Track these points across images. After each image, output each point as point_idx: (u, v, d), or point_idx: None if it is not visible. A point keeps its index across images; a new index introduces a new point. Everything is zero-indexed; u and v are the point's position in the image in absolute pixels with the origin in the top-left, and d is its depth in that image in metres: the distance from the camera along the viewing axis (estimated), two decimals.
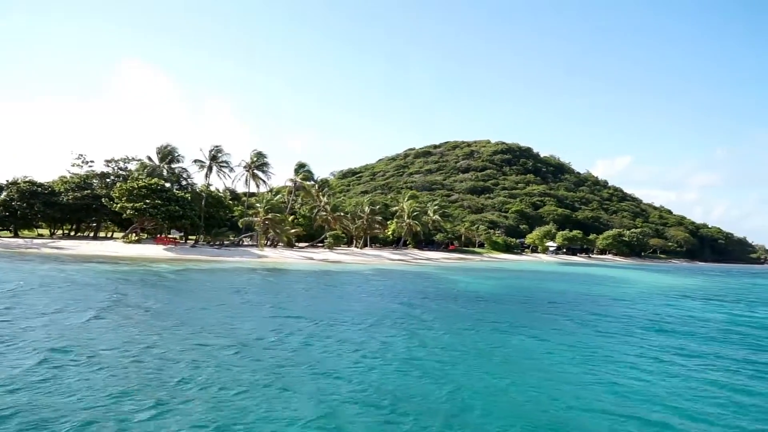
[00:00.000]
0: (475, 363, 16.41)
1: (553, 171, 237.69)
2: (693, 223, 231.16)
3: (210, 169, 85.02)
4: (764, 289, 61.97)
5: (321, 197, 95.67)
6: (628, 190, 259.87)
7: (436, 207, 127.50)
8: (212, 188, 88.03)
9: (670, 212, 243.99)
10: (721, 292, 53.20)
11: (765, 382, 15.83)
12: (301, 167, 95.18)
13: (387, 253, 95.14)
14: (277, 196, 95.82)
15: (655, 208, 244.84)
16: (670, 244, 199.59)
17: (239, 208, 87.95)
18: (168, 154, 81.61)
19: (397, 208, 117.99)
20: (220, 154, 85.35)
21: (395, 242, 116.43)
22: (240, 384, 12.88)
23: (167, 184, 74.59)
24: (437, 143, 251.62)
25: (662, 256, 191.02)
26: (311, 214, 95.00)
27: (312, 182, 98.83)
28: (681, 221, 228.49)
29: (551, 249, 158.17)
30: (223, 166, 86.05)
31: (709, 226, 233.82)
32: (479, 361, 16.78)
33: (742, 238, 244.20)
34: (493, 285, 48.07)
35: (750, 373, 16.82)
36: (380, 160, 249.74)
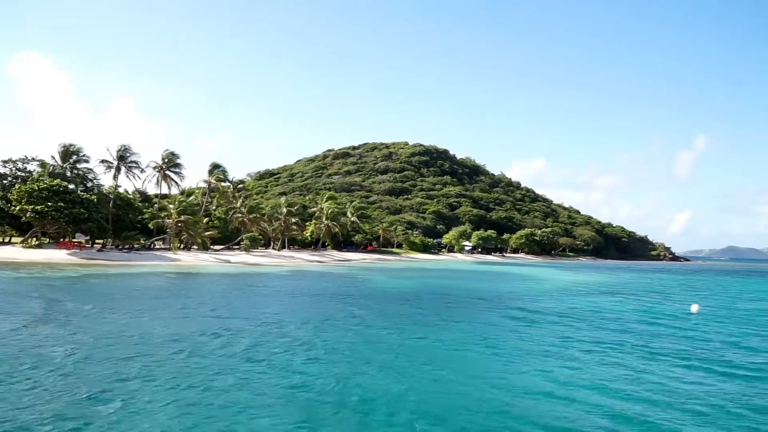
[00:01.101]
0: (391, 360, 16.95)
1: (469, 173, 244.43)
2: (599, 222, 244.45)
3: (118, 169, 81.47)
4: (652, 283, 66.94)
5: (237, 199, 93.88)
6: (541, 191, 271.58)
7: (354, 208, 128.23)
8: (121, 190, 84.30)
9: (578, 212, 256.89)
10: (620, 287, 57.10)
11: (658, 362, 17.39)
12: (215, 168, 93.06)
13: (305, 255, 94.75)
14: (191, 198, 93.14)
15: (565, 209, 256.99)
16: (578, 242, 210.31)
17: (150, 210, 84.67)
18: (71, 154, 77.28)
19: (315, 209, 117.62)
20: (128, 154, 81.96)
21: (314, 244, 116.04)
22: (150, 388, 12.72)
23: (71, 186, 70.65)
24: (356, 144, 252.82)
25: (571, 254, 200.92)
26: (227, 216, 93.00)
27: (227, 183, 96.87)
28: (588, 221, 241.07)
29: (467, 248, 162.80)
30: (132, 167, 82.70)
31: (614, 225, 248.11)
32: (395, 357, 17.34)
33: (644, 236, 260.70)
34: (410, 284, 49.18)
35: (644, 355, 18.44)
36: (299, 161, 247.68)
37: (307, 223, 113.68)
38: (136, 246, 77.53)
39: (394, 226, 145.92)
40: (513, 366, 16.56)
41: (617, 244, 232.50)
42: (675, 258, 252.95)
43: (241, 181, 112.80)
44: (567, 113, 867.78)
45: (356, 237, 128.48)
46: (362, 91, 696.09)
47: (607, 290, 51.48)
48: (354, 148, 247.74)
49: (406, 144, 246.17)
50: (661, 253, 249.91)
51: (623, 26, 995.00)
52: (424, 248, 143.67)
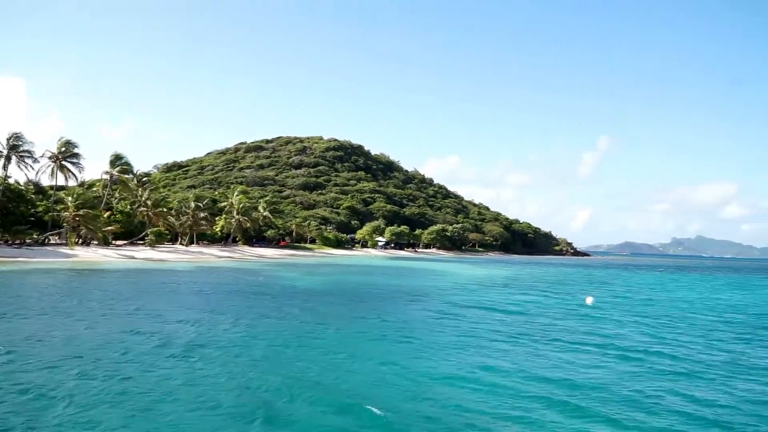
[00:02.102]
0: (296, 355, 16.88)
1: (384, 169, 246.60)
2: (507, 219, 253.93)
3: (8, 159, 75.44)
4: (553, 277, 70.74)
5: (141, 192, 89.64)
6: (454, 188, 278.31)
7: (267, 203, 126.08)
8: (11, 181, 78.11)
9: (487, 209, 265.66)
10: (523, 281, 59.85)
11: (555, 348, 18.44)
12: (118, 159, 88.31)
13: (215, 251, 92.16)
14: (91, 190, 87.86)
15: (475, 205, 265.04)
16: (487, 238, 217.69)
17: (45, 203, 79.04)
18: None
19: (226, 203, 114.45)
20: (20, 143, 76.06)
21: (224, 239, 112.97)
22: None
23: None
24: (270, 138, 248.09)
25: (480, 249, 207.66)
26: (130, 209, 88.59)
27: (131, 175, 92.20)
28: (497, 217, 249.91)
29: (380, 244, 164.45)
30: (24, 157, 76.81)
31: (521, 222, 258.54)
32: (306, 352, 17.30)
33: (548, 232, 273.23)
34: (323, 280, 49.14)
35: (540, 342, 19.52)
36: (209, 153, 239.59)
37: (217, 218, 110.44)
38: (28, 241, 72.24)
39: (307, 222, 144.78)
40: (421, 356, 17.09)
41: (524, 240, 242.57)
42: (576, 253, 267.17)
43: (147, 174, 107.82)
44: (482, 112, 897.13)
45: (269, 232, 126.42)
46: (276, 86, 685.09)
47: (512, 284, 53.90)
48: (267, 141, 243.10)
49: (321, 139, 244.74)
50: (564, 248, 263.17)
51: (540, 25, 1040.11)
52: (338, 243, 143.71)
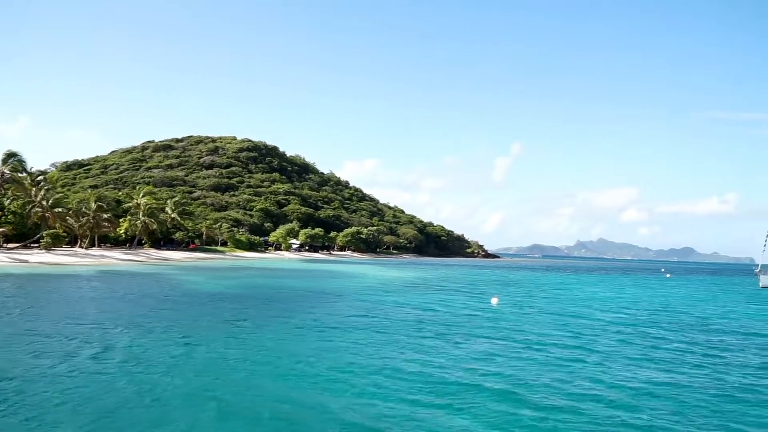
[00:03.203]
0: (209, 360, 16.66)
1: (299, 170, 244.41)
2: (421, 221, 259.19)
3: None
4: (461, 278, 73.13)
5: (37, 191, 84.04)
6: (371, 191, 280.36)
7: (176, 204, 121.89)
8: None
9: (402, 211, 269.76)
10: (434, 282, 61.49)
11: (458, 347, 19.25)
12: (10, 157, 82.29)
13: (118, 254, 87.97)
14: None
15: (390, 208, 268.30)
16: (401, 240, 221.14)
17: None
18: None
19: (131, 204, 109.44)
20: None
21: (129, 241, 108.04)
22: None
23: None
24: (179, 137, 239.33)
25: (395, 251, 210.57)
26: (24, 210, 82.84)
27: (25, 174, 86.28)
28: (411, 220, 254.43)
29: (294, 246, 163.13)
30: None
31: (434, 225, 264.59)
32: (214, 358, 17.06)
33: (461, 235, 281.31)
34: (233, 284, 48.29)
35: (445, 341, 20.30)
36: (113, 152, 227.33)
37: (121, 220, 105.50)
38: None
39: (219, 224, 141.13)
40: (327, 358, 17.31)
41: (437, 242, 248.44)
42: (487, 255, 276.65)
43: (43, 172, 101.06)
44: (400, 116, 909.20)
45: (177, 234, 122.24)
46: (187, 84, 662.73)
47: (423, 285, 55.37)
48: (177, 140, 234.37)
49: (234, 139, 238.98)
50: (476, 251, 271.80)
51: (459, 30, 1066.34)
52: (251, 246, 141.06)
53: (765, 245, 72.17)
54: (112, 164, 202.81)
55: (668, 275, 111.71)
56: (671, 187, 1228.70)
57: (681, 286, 72.62)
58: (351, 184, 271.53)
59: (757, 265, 73.73)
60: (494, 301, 38.48)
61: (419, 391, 13.85)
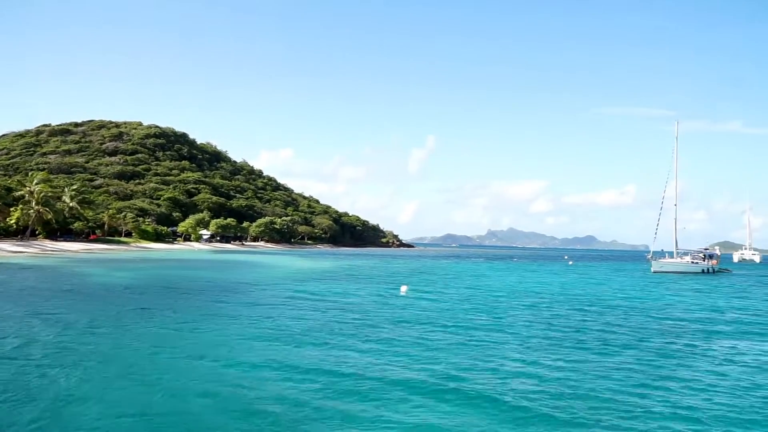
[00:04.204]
0: (107, 356, 15.49)
1: (210, 159, 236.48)
2: (337, 211, 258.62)
3: None
4: (374, 268, 73.72)
5: None
6: (286, 181, 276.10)
7: (74, 192, 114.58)
8: None
9: (317, 201, 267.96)
10: (345, 272, 61.57)
11: (365, 335, 19.07)
12: None
13: (6, 245, 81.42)
14: None
15: (305, 198, 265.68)
16: (316, 230, 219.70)
17: None
18: None
19: (23, 192, 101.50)
20: None
21: (21, 232, 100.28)
22: None
23: None
24: (79, 121, 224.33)
25: (309, 242, 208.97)
26: None
27: None
28: (327, 210, 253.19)
29: (205, 237, 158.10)
30: None
31: (350, 215, 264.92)
32: (114, 353, 15.91)
33: (376, 225, 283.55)
34: (136, 275, 45.91)
35: (354, 329, 20.06)
36: (4, 135, 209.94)
37: (12, 209, 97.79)
38: None
39: (123, 213, 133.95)
40: (236, 350, 16.71)
41: (352, 232, 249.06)
42: (402, 244, 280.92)
43: None
44: (317, 106, 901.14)
45: (76, 225, 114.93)
46: (88, 66, 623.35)
47: (335, 275, 55.22)
48: (76, 125, 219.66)
49: (140, 124, 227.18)
50: (391, 241, 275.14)
51: (381, 25, 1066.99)
52: (158, 237, 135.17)
53: (656, 234, 77.79)
54: (2, 149, 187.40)
55: (571, 262, 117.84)
56: (578, 178, 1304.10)
57: (581, 272, 76.85)
58: (265, 174, 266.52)
59: (650, 251, 78.97)
60: (404, 289, 38.91)
61: (322, 382, 13.63)
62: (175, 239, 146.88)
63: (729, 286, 55.33)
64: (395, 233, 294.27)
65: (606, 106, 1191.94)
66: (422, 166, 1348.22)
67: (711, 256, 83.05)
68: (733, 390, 13.91)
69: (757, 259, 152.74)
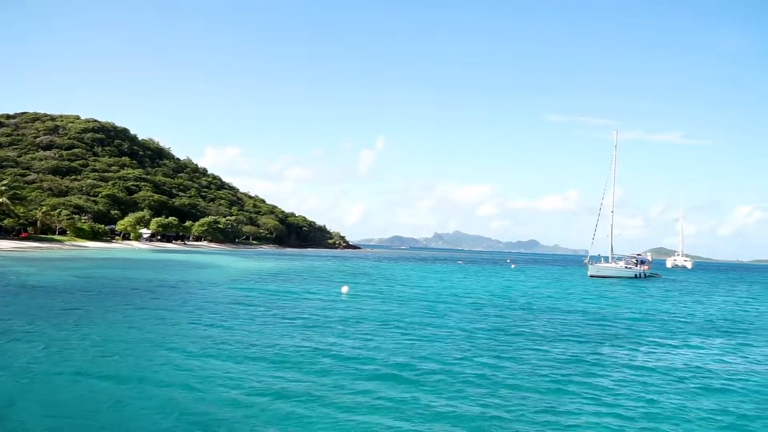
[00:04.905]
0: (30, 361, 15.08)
1: (151, 155, 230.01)
2: (283, 211, 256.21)
3: None
4: (318, 268, 73.71)
5: None
6: (232, 179, 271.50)
7: (5, 187, 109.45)
8: None
9: (263, 201, 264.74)
10: (289, 272, 61.31)
11: (310, 332, 19.20)
12: None
13: None
14: None
15: (251, 197, 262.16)
16: (262, 231, 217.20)
17: None
18: None
19: None
20: None
21: None
22: None
23: None
24: (11, 113, 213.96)
25: (254, 242, 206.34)
26: None
27: None
28: (272, 210, 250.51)
29: (145, 236, 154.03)
30: None
31: (296, 215, 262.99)
32: (39, 355, 15.49)
33: (323, 225, 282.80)
34: (68, 275, 44.27)
35: (296, 327, 20.19)
36: None
37: None
38: None
39: (57, 210, 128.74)
40: (170, 354, 16.51)
41: (298, 233, 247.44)
42: (348, 246, 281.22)
43: None
44: (266, 105, 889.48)
45: (6, 221, 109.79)
46: (22, 55, 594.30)
47: (277, 275, 55.07)
48: (8, 116, 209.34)
49: (78, 118, 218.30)
50: (337, 242, 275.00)
51: (326, 24, 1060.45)
52: (95, 235, 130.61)
53: (593, 239, 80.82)
54: None
55: (513, 266, 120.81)
56: (523, 183, 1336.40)
57: (522, 275, 79.16)
58: (210, 172, 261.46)
59: (587, 255, 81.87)
60: (344, 289, 39.35)
61: (263, 381, 13.73)
62: (113, 238, 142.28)
63: (656, 289, 58.77)
64: (342, 234, 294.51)
65: (553, 114, 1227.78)
66: (371, 167, 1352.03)
67: (643, 262, 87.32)
68: (641, 387, 15.07)
69: (689, 265, 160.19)
